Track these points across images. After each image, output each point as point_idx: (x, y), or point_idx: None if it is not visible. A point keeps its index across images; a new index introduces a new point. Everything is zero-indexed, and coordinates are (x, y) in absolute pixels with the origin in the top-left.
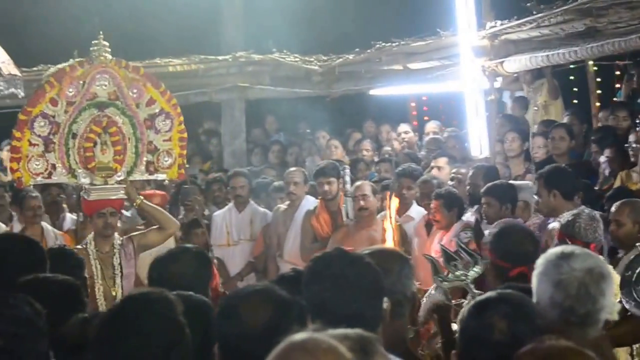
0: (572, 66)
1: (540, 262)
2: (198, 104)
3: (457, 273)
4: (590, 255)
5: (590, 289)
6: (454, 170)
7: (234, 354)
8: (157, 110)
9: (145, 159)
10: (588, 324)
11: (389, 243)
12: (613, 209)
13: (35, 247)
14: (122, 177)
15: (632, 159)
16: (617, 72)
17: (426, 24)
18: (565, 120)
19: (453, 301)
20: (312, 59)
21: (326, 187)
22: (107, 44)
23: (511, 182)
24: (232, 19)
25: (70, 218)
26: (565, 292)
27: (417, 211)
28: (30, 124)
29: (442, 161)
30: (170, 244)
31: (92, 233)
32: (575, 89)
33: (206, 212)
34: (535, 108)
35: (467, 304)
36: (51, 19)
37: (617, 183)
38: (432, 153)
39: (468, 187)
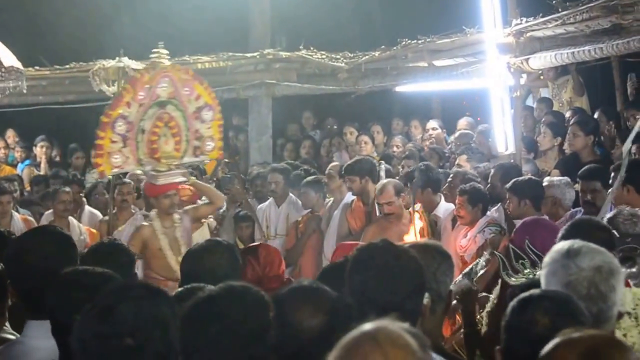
0: (597, 63)
1: (547, 260)
2: (226, 100)
3: (526, 271)
4: (598, 252)
5: (601, 287)
6: (482, 165)
7: (288, 357)
8: (202, 104)
9: (193, 145)
10: (601, 321)
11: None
12: None
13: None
14: (177, 162)
15: None
16: None
17: (452, 21)
18: (595, 116)
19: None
20: (338, 56)
21: (349, 184)
22: (166, 51)
23: (535, 178)
24: (259, 16)
25: (89, 212)
26: (576, 293)
27: (444, 209)
28: (112, 125)
29: (462, 158)
30: (206, 234)
31: (155, 211)
32: (600, 86)
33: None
34: (560, 104)
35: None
36: (82, 18)
37: None
38: (459, 148)
39: (488, 186)
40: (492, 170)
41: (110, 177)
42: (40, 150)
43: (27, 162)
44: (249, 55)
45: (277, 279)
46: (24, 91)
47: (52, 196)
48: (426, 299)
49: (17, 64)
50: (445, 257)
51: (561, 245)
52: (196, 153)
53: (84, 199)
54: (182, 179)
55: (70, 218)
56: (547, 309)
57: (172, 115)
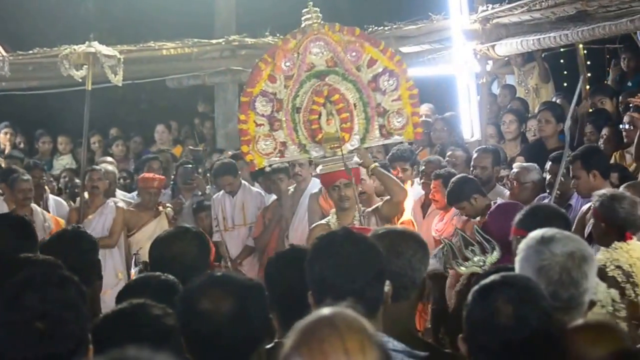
0: (562, 49)
1: (521, 247)
2: (191, 87)
3: (475, 259)
4: (572, 239)
5: (573, 273)
6: (449, 153)
7: (201, 346)
8: (380, 70)
9: (376, 123)
10: (572, 307)
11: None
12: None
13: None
14: (355, 146)
15: (626, 140)
16: (608, 56)
17: (418, 7)
18: (558, 102)
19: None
20: None
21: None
22: (317, 9)
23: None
24: (225, 2)
25: (53, 200)
26: (548, 278)
27: (415, 192)
28: (252, 105)
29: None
30: (164, 225)
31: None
32: (565, 73)
33: (207, 191)
34: (527, 91)
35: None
36: (45, 4)
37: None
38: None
39: (474, 170)
40: (475, 154)
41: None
42: (3, 137)
43: None
44: (214, 41)
45: None
46: (7, 77)
47: (12, 184)
48: (387, 287)
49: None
50: (421, 245)
51: (536, 232)
52: (382, 133)
53: (47, 187)
54: (354, 165)
55: (34, 205)
56: (510, 297)
57: (336, 87)
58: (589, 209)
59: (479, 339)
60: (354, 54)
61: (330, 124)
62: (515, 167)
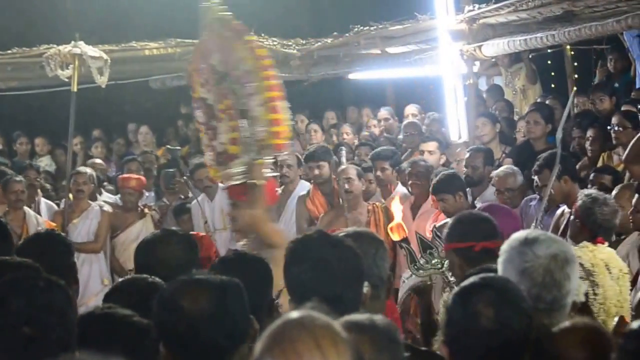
0: (549, 50)
1: (504, 248)
2: (175, 88)
3: (434, 261)
4: (554, 240)
5: (556, 275)
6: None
7: (180, 346)
8: (242, 71)
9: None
10: (556, 309)
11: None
12: (615, 192)
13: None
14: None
15: (615, 141)
16: (594, 57)
17: (404, 7)
18: (547, 103)
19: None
20: (290, 43)
21: (317, 172)
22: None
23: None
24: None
25: (45, 203)
26: (531, 280)
27: (401, 193)
28: (195, 113)
29: (432, 145)
30: (150, 227)
31: None
32: (553, 73)
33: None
34: (514, 92)
35: (447, 292)
36: (24, 3)
37: (599, 164)
38: (411, 137)
39: (466, 169)
40: (468, 153)
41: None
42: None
43: None
44: (197, 41)
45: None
46: None
47: (4, 187)
48: (366, 288)
49: None
50: (380, 242)
51: (519, 234)
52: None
53: (39, 190)
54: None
55: (26, 208)
56: (490, 299)
57: (226, 92)
58: (562, 212)
59: (460, 342)
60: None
61: (226, 134)
62: (499, 174)
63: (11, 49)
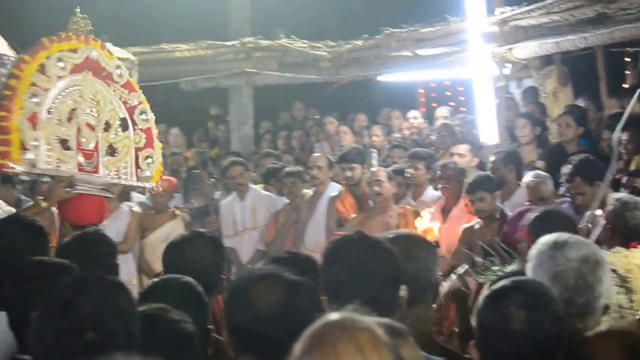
0: (581, 53)
1: (533, 253)
2: (205, 89)
3: (494, 268)
4: (584, 243)
5: (588, 277)
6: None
7: (246, 338)
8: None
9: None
10: (588, 312)
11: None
12: None
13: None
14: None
15: None
16: (627, 59)
17: (435, 9)
18: (582, 105)
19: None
20: (320, 45)
21: (348, 173)
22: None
23: None
24: (239, 3)
25: None
26: (563, 284)
27: (431, 195)
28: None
29: (463, 148)
30: (180, 229)
31: None
32: (584, 76)
33: (216, 196)
34: (545, 95)
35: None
36: (56, 3)
37: (633, 167)
38: (443, 138)
39: (489, 171)
40: (494, 156)
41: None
42: None
43: None
44: (229, 43)
45: None
46: None
47: (32, 188)
48: (403, 291)
49: (6, 50)
50: (431, 246)
51: (547, 238)
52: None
53: None
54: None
55: (54, 209)
56: (522, 302)
57: None
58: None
59: (491, 345)
60: None
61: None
62: (529, 184)
63: None
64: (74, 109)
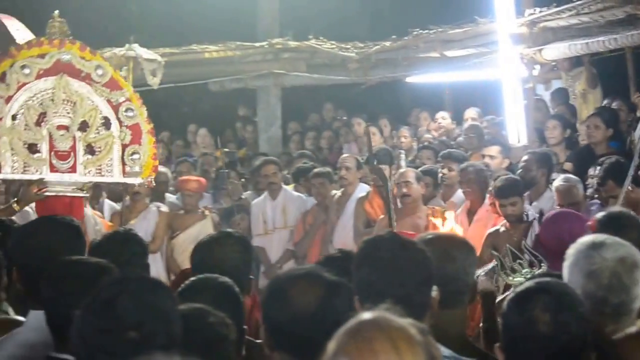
0: (610, 54)
1: (570, 252)
2: (233, 90)
3: (524, 270)
4: (622, 244)
5: (623, 278)
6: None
7: (283, 337)
8: None
9: None
10: (622, 313)
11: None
12: None
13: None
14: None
15: None
16: None
17: (463, 11)
18: (614, 106)
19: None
20: (348, 46)
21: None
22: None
23: None
24: (268, 5)
25: (108, 204)
26: (598, 283)
27: (460, 197)
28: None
29: (494, 150)
30: (209, 229)
31: None
32: (613, 78)
33: (243, 196)
34: (574, 96)
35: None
36: (88, 5)
37: None
38: (470, 139)
39: (520, 171)
40: (526, 156)
41: None
42: None
43: None
44: (257, 44)
45: None
46: None
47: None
48: (434, 292)
49: None
50: (471, 249)
51: (586, 238)
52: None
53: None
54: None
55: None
56: (547, 304)
57: None
58: None
59: (517, 348)
60: None
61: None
62: (559, 188)
63: None
64: (43, 113)
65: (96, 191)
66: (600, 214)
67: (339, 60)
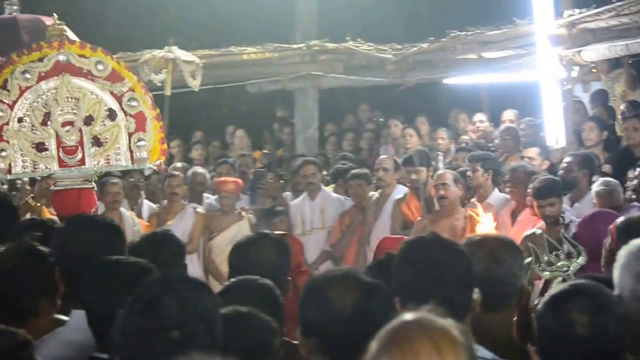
0: None
1: (622, 254)
2: (271, 92)
3: (559, 264)
4: None
5: None
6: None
7: (319, 339)
8: None
9: None
10: None
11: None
12: None
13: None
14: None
15: None
16: None
17: (501, 12)
18: None
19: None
20: (386, 48)
21: (413, 176)
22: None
23: None
24: (305, 6)
25: (147, 205)
26: None
27: (497, 198)
28: None
29: (533, 152)
30: (246, 230)
31: None
32: None
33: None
34: (613, 98)
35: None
36: (127, 8)
37: None
38: (506, 141)
39: (562, 172)
40: (568, 158)
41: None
42: None
43: None
44: (295, 46)
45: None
46: None
47: (100, 188)
48: (476, 294)
49: None
50: (520, 252)
51: (638, 240)
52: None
53: (142, 191)
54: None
55: (122, 209)
56: (583, 305)
57: None
58: None
59: (554, 351)
60: None
61: None
62: (599, 192)
63: (115, 54)
64: (47, 113)
65: (135, 192)
66: (619, 220)
67: (377, 62)
